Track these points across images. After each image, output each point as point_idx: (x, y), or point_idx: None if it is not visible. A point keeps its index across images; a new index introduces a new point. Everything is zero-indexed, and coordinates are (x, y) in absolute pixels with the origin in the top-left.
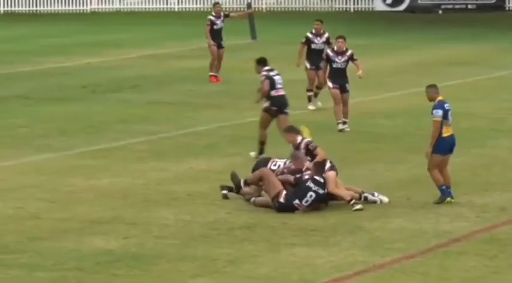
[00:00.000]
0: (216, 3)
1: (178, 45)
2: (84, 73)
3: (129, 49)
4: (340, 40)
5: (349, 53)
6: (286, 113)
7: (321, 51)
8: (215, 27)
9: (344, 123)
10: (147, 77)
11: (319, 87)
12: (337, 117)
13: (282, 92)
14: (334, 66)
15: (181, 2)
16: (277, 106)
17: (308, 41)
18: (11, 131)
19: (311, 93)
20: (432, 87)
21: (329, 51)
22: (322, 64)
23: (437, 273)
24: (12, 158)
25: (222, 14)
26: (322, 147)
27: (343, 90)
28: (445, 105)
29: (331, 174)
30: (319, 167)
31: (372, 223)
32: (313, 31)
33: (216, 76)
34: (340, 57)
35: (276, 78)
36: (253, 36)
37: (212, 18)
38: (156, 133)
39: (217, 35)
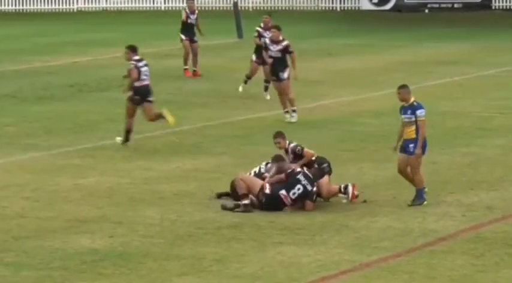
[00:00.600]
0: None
1: (165, 44)
2: (71, 72)
3: (116, 48)
4: (266, 17)
5: (284, 43)
6: (150, 101)
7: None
8: (188, 20)
9: (293, 111)
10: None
11: (267, 81)
12: (283, 107)
13: (146, 82)
14: (269, 53)
15: (168, 1)
16: (140, 95)
17: (259, 35)
18: None
19: (248, 80)
20: (404, 87)
21: (267, 39)
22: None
23: (424, 272)
24: None
25: (196, 11)
26: (310, 146)
27: (278, 79)
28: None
29: (324, 180)
30: (318, 175)
31: (358, 222)
32: (262, 25)
33: (188, 69)
34: (275, 45)
35: (143, 69)
36: (240, 35)
37: (187, 11)
38: (143, 132)
39: (189, 30)
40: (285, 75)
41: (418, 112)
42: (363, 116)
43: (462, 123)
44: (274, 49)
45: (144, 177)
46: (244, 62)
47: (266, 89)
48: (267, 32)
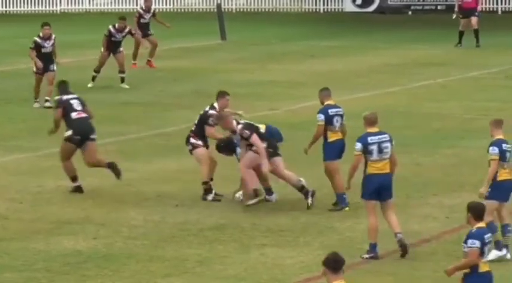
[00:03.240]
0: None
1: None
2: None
3: (99, 49)
4: (46, 27)
5: (53, 37)
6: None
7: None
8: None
9: (46, 101)
10: (118, 77)
11: (97, 71)
12: (36, 96)
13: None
14: (43, 51)
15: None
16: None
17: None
18: None
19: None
20: (323, 90)
21: (37, 39)
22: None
23: (407, 273)
24: None
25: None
26: (290, 148)
27: (48, 70)
28: (330, 110)
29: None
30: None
31: (342, 224)
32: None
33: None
34: (48, 41)
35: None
36: (223, 37)
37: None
38: (126, 133)
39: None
40: (54, 67)
41: (317, 116)
42: (346, 118)
43: (446, 124)
44: (48, 45)
45: (127, 178)
46: (228, 63)
47: (122, 80)
48: (48, 41)
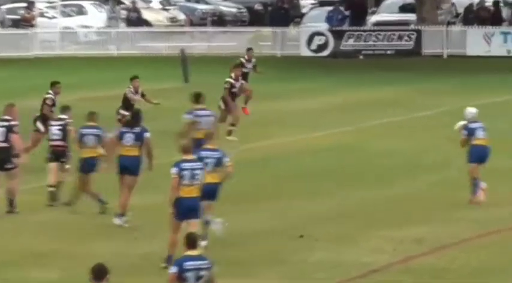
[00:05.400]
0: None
1: (118, 88)
2: (30, 114)
3: (71, 92)
4: (136, 80)
5: (140, 90)
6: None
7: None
8: (131, 102)
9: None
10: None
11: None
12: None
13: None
14: (131, 102)
15: (120, 48)
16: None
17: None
18: None
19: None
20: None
21: (128, 91)
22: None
23: None
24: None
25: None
26: (248, 183)
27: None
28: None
29: None
30: None
31: (294, 256)
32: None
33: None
34: (137, 94)
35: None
36: (186, 80)
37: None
38: None
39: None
40: None
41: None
42: (300, 155)
43: (396, 161)
44: (137, 97)
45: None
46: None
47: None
48: (137, 95)
